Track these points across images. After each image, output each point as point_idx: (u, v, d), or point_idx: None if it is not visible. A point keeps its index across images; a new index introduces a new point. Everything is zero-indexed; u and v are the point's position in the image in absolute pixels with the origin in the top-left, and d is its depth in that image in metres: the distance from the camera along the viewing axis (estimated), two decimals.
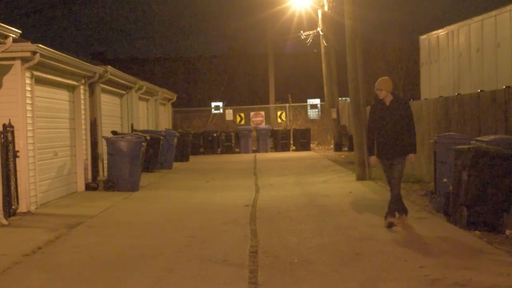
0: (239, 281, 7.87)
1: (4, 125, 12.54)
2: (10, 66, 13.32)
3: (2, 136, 12.38)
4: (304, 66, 53.84)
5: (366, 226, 11.13)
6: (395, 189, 10.83)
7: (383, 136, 10.84)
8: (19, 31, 12.95)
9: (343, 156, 28.50)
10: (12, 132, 12.80)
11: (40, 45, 13.45)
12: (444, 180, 12.08)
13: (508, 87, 12.75)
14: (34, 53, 13.30)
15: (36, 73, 14.09)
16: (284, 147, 34.65)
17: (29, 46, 13.23)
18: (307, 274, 8.07)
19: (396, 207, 10.86)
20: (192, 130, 33.06)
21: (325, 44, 32.85)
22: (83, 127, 17.48)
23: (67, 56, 15.50)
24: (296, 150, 34.39)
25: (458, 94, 16.46)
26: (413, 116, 10.96)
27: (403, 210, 11.00)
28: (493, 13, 22.72)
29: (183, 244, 10.05)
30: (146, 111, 28.10)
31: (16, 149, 13.02)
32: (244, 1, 71.26)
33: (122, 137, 17.79)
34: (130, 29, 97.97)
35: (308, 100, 49.05)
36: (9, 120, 12.83)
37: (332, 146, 33.76)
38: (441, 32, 27.91)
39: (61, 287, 7.95)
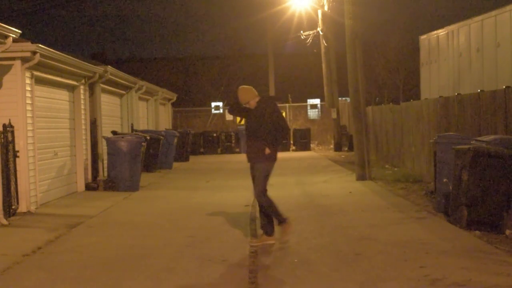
0: (239, 281, 7.87)
1: (4, 125, 12.54)
2: (10, 66, 13.31)
3: (2, 136, 12.37)
4: (304, 66, 53.83)
5: (366, 226, 11.13)
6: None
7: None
8: (19, 31, 12.95)
9: (343, 156, 28.51)
10: (12, 132, 12.80)
11: (40, 45, 13.45)
12: (444, 180, 12.08)
13: (508, 87, 12.75)
14: (34, 53, 13.29)
15: (36, 73, 14.09)
16: (284, 147, 34.63)
17: (29, 46, 13.22)
18: (307, 274, 8.07)
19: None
20: (192, 130, 33.05)
21: (325, 44, 32.85)
22: (83, 127, 17.48)
23: (67, 56, 15.49)
24: (296, 150, 34.39)
25: (458, 94, 16.46)
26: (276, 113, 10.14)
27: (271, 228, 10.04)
28: (493, 13, 22.74)
29: (183, 244, 10.05)
30: (146, 111, 28.10)
31: (16, 149, 13.01)
32: (244, 1, 71.26)
33: (122, 137, 17.79)
34: (130, 29, 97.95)
35: (308, 100, 49.00)
36: (9, 120, 12.82)
37: (332, 146, 33.77)
38: (441, 32, 27.92)
39: (61, 287, 7.94)
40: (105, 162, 18.75)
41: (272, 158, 10.05)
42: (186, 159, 28.85)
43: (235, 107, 10.38)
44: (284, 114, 38.70)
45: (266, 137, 9.94)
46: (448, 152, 11.95)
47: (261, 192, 9.97)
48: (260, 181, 10.00)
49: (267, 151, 9.92)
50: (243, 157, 31.55)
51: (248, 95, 10.12)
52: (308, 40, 33.21)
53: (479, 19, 23.91)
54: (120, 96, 22.86)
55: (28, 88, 13.69)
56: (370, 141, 22.68)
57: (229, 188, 17.72)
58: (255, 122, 10.02)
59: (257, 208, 10.56)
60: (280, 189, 17.18)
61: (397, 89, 47.23)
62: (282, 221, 10.00)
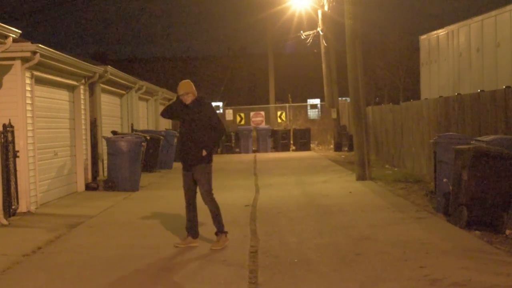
0: (239, 281, 7.87)
1: (4, 125, 12.54)
2: (10, 66, 13.32)
3: (2, 136, 12.38)
4: (304, 66, 53.84)
5: (366, 226, 11.13)
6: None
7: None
8: (19, 31, 12.95)
9: (343, 156, 28.51)
10: (12, 132, 12.80)
11: (40, 45, 13.45)
12: (444, 180, 12.08)
13: (508, 87, 12.75)
14: (34, 53, 13.30)
15: (36, 73, 14.09)
16: (284, 147, 34.64)
17: (29, 46, 13.23)
18: (307, 274, 8.07)
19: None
20: None
21: (325, 44, 32.83)
22: (83, 127, 17.49)
23: (67, 56, 15.50)
24: (296, 150, 34.39)
25: (458, 94, 16.47)
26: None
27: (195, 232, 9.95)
28: (493, 13, 22.74)
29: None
30: (146, 111, 28.10)
31: (16, 149, 13.02)
32: (244, 1, 71.30)
33: (122, 137, 17.79)
34: (130, 29, 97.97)
35: (308, 100, 49.06)
36: (9, 120, 12.83)
37: (332, 146, 33.77)
38: (441, 32, 27.93)
39: (61, 287, 7.95)
40: (105, 162, 18.75)
41: (211, 160, 9.87)
42: None
43: (167, 109, 10.10)
44: (284, 114, 38.80)
45: (204, 139, 9.72)
46: (448, 152, 11.95)
47: (208, 193, 9.79)
48: (205, 182, 9.77)
49: (204, 152, 9.70)
50: (243, 157, 31.44)
51: (187, 87, 9.81)
52: (308, 40, 33.20)
53: (479, 19, 23.92)
54: (120, 96, 22.86)
55: (28, 88, 13.69)
56: (370, 141, 22.70)
57: (229, 188, 17.72)
58: (191, 123, 9.73)
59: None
60: (280, 189, 17.19)
61: (397, 89, 47.21)
62: (221, 230, 9.76)
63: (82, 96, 17.47)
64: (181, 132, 10.01)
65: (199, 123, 9.74)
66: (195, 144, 9.71)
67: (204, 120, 9.76)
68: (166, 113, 10.15)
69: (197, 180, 9.81)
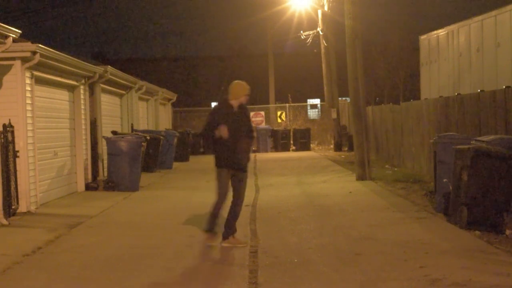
0: (239, 281, 7.87)
1: (4, 125, 12.54)
2: (10, 66, 13.31)
3: (2, 136, 12.37)
4: (304, 66, 53.84)
5: (366, 226, 11.13)
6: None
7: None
8: (19, 31, 12.95)
9: (343, 156, 28.50)
10: (12, 132, 12.79)
11: (40, 45, 13.45)
12: (444, 180, 12.08)
13: (508, 87, 12.75)
14: (34, 53, 13.29)
15: (36, 73, 14.09)
16: (284, 147, 34.64)
17: (29, 46, 13.22)
18: (307, 274, 8.07)
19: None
20: (192, 130, 33.05)
21: (325, 44, 32.85)
22: (83, 127, 17.48)
23: (67, 56, 15.50)
24: (296, 150, 34.38)
25: (458, 94, 16.47)
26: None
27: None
28: (493, 13, 22.75)
29: (183, 244, 10.05)
30: (146, 111, 28.10)
31: (16, 149, 13.01)
32: (244, 1, 71.30)
33: (122, 137, 17.79)
34: (130, 29, 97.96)
35: (308, 100, 49.04)
36: (9, 120, 12.82)
37: (332, 146, 33.76)
38: (441, 32, 27.93)
39: (61, 287, 7.95)
40: (105, 162, 18.75)
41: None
42: (186, 159, 28.85)
43: (209, 127, 9.66)
44: (284, 114, 38.82)
45: (249, 142, 9.77)
46: (448, 152, 11.95)
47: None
48: (245, 188, 9.84)
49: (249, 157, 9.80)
50: None
51: (245, 90, 9.79)
52: (308, 40, 33.22)
53: (479, 19, 23.92)
54: (120, 96, 22.85)
55: (28, 88, 13.69)
56: (370, 141, 22.68)
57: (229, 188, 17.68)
58: (240, 127, 9.63)
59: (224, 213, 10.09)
60: (280, 189, 17.18)
61: (397, 89, 47.22)
62: (210, 230, 9.72)
63: (82, 96, 17.47)
64: (228, 131, 9.57)
65: (243, 126, 9.73)
66: (242, 148, 9.65)
67: (247, 124, 9.81)
68: (209, 130, 9.71)
69: (241, 180, 9.78)
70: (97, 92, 19.01)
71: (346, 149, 32.31)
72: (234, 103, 9.77)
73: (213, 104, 50.74)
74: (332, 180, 18.97)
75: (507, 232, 10.09)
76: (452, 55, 26.41)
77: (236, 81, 10.01)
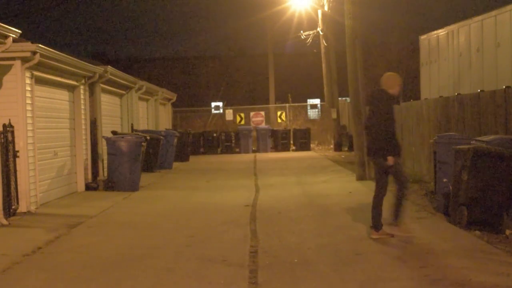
0: (239, 281, 7.87)
1: (4, 125, 12.54)
2: (10, 66, 13.32)
3: (2, 136, 12.37)
4: (304, 66, 53.80)
5: (366, 226, 11.12)
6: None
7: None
8: (19, 31, 12.95)
9: (343, 156, 28.51)
10: (12, 132, 12.80)
11: (40, 45, 13.45)
12: (444, 180, 12.08)
13: (508, 87, 12.74)
14: (34, 53, 13.30)
15: (36, 73, 14.10)
16: (284, 147, 34.65)
17: (29, 46, 13.23)
18: (307, 274, 8.07)
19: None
20: (192, 130, 33.05)
21: (325, 44, 32.86)
22: (83, 127, 17.48)
23: (67, 56, 15.50)
24: (296, 150, 34.39)
25: (458, 94, 16.46)
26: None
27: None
28: (493, 13, 22.73)
29: (183, 244, 10.05)
30: (146, 111, 28.10)
31: (16, 149, 13.02)
32: (244, 1, 71.23)
33: (122, 137, 17.80)
34: (130, 29, 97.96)
35: (308, 100, 49.02)
36: (9, 120, 12.82)
37: (332, 146, 33.76)
38: (441, 32, 27.91)
39: (61, 287, 7.95)
40: (105, 162, 18.75)
41: None
42: (186, 159, 28.86)
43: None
44: (284, 114, 38.82)
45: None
46: (448, 152, 11.95)
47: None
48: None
49: None
50: (243, 157, 31.39)
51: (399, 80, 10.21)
52: (308, 40, 33.22)
53: (479, 19, 23.90)
54: (120, 96, 22.86)
55: (28, 88, 13.70)
56: None
57: (229, 188, 17.73)
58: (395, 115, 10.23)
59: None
60: (280, 189, 17.19)
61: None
62: (377, 226, 10.10)
63: (82, 96, 17.48)
64: (392, 123, 10.24)
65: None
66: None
67: None
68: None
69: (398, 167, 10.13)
70: (97, 92, 19.01)
71: (346, 149, 32.32)
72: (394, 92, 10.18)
73: (213, 104, 50.73)
74: (332, 180, 18.97)
75: (507, 232, 10.09)
76: (452, 55, 26.40)
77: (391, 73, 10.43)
